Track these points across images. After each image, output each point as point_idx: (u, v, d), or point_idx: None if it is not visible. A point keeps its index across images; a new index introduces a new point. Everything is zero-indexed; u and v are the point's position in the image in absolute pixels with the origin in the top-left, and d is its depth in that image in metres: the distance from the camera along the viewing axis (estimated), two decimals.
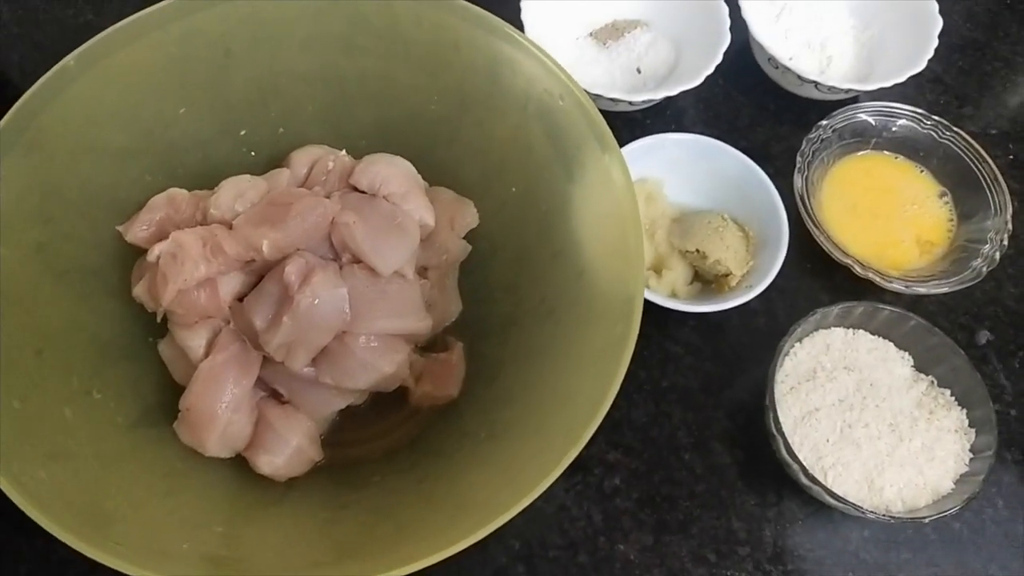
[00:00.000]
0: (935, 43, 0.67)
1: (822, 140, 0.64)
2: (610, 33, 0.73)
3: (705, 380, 0.60)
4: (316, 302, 0.49)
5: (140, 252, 0.54)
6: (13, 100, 0.49)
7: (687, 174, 0.63)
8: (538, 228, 0.55)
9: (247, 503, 0.50)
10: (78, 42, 0.50)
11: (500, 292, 0.58)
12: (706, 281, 0.61)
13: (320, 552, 0.46)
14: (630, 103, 0.65)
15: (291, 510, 0.51)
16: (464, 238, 0.59)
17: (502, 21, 0.53)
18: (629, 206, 0.47)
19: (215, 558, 0.44)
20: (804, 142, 0.63)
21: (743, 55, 0.73)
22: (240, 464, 0.52)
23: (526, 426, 0.49)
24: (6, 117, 0.48)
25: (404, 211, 0.55)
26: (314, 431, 0.53)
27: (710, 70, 0.65)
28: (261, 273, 0.53)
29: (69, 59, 0.50)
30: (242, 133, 0.59)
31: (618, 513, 0.56)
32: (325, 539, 0.46)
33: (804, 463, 0.51)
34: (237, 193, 0.53)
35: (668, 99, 0.67)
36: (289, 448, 0.51)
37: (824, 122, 0.64)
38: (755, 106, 0.72)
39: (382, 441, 0.56)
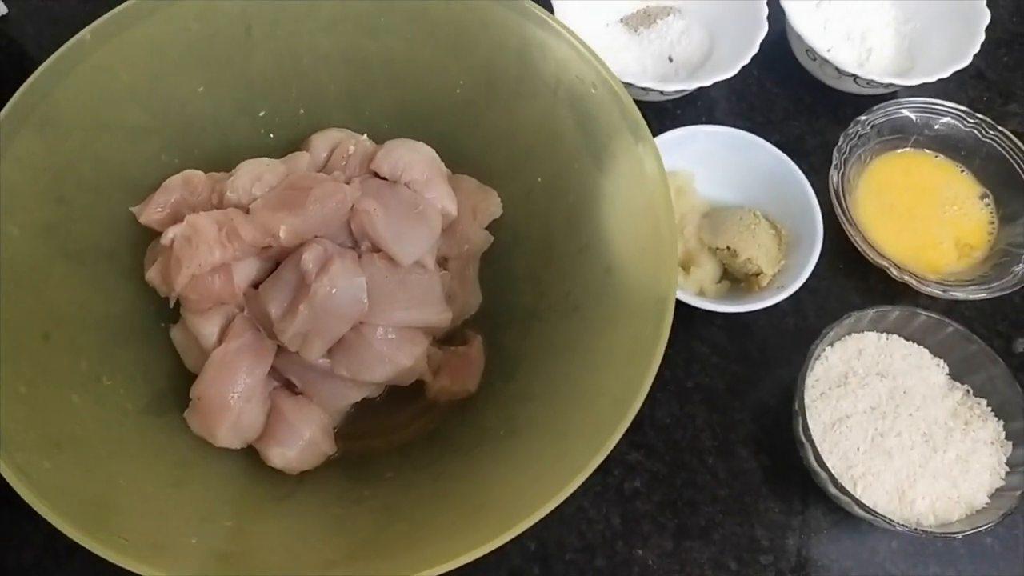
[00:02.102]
0: (981, 37, 0.65)
1: (860, 136, 0.61)
2: (642, 19, 0.71)
3: (731, 381, 0.58)
4: (333, 291, 0.48)
5: (154, 234, 0.52)
6: (30, 74, 0.47)
7: (719, 168, 0.61)
8: (565, 220, 0.53)
9: (257, 497, 0.49)
10: (96, 16, 0.49)
11: (522, 285, 0.56)
12: (735, 279, 0.59)
13: (332, 551, 0.44)
14: (661, 93, 0.63)
15: (302, 505, 0.49)
16: (486, 228, 0.57)
17: (533, 3, 0.51)
18: (663, 200, 0.45)
19: (223, 554, 0.43)
20: (841, 137, 0.61)
21: (779, 45, 0.70)
22: (251, 456, 0.50)
23: (548, 425, 0.47)
24: (19, 92, 0.46)
25: (426, 199, 0.53)
26: (328, 424, 0.52)
27: (746, 60, 0.63)
28: (277, 260, 0.51)
29: (85, 33, 0.48)
30: (261, 114, 0.57)
31: (638, 516, 0.54)
32: (337, 537, 0.45)
33: (833, 472, 0.49)
34: (255, 176, 0.52)
35: (700, 89, 0.65)
36: (302, 441, 0.50)
37: (863, 117, 0.62)
38: (790, 99, 0.70)
39: (397, 435, 0.54)
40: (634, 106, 0.48)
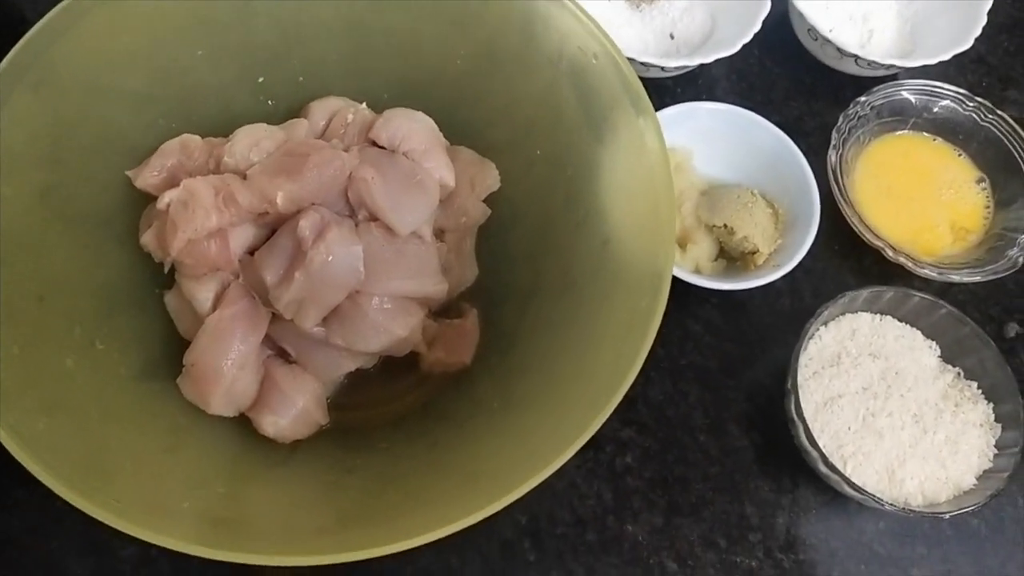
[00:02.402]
0: (983, 21, 0.65)
1: (859, 117, 0.61)
2: None
3: (725, 360, 0.58)
4: (330, 259, 0.47)
5: (150, 199, 0.52)
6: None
7: (718, 146, 0.61)
8: (563, 194, 0.53)
9: (250, 464, 0.49)
10: None
11: (520, 260, 0.56)
12: (731, 258, 0.59)
13: (324, 518, 0.44)
14: (662, 69, 0.63)
15: (295, 473, 0.49)
16: (484, 201, 0.56)
17: None
18: (662, 175, 0.45)
19: (215, 519, 0.43)
20: (841, 118, 0.61)
21: (780, 25, 0.70)
22: (244, 424, 0.50)
23: (544, 399, 0.47)
24: (14, 49, 0.46)
25: (424, 169, 0.53)
26: (321, 393, 0.52)
27: (747, 38, 0.62)
28: (274, 227, 0.51)
29: None
30: (260, 80, 0.56)
31: (629, 492, 0.54)
32: (329, 504, 0.45)
33: (824, 451, 0.49)
34: (253, 142, 0.51)
35: (701, 67, 0.65)
36: (295, 409, 0.50)
37: (863, 98, 0.62)
38: (790, 79, 0.70)
39: (391, 406, 0.54)
40: (636, 79, 0.48)
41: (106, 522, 0.37)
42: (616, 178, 0.49)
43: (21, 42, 0.46)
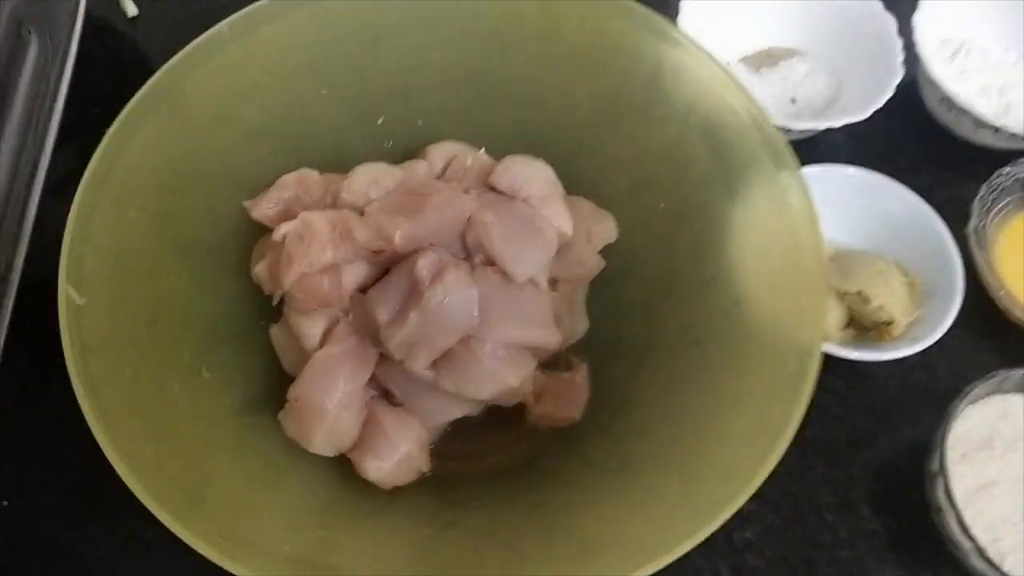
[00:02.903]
0: None
1: (1003, 188, 0.58)
2: (764, 60, 0.69)
3: (852, 434, 0.54)
4: (446, 300, 0.46)
5: (262, 232, 0.51)
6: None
7: (845, 211, 0.58)
8: (688, 249, 0.50)
9: (347, 509, 0.46)
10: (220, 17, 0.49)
11: (635, 314, 0.53)
12: (862, 328, 0.55)
13: (422, 573, 0.42)
14: (787, 131, 0.61)
15: (392, 523, 0.46)
16: (599, 253, 0.54)
17: (670, 23, 0.50)
18: (809, 233, 0.42)
19: (309, 562, 0.40)
20: (984, 187, 0.57)
21: (906, 93, 0.67)
22: (342, 467, 0.48)
23: (668, 463, 0.44)
24: (155, 76, 0.46)
25: (543, 217, 0.51)
26: (425, 439, 0.49)
27: (879, 104, 0.60)
28: (387, 267, 0.49)
29: (223, 25, 0.48)
30: (379, 122, 0.56)
31: (749, 571, 0.50)
32: (426, 560, 0.42)
33: (979, 543, 0.44)
34: (372, 180, 0.50)
35: (826, 132, 0.62)
36: (398, 454, 0.47)
37: (1007, 168, 0.58)
38: (918, 147, 0.67)
39: (494, 459, 0.52)
40: (777, 133, 0.45)
41: (203, 552, 0.35)
42: (752, 237, 0.47)
43: (160, 71, 0.47)
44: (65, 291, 0.39)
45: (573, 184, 0.55)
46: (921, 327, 0.53)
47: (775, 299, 0.44)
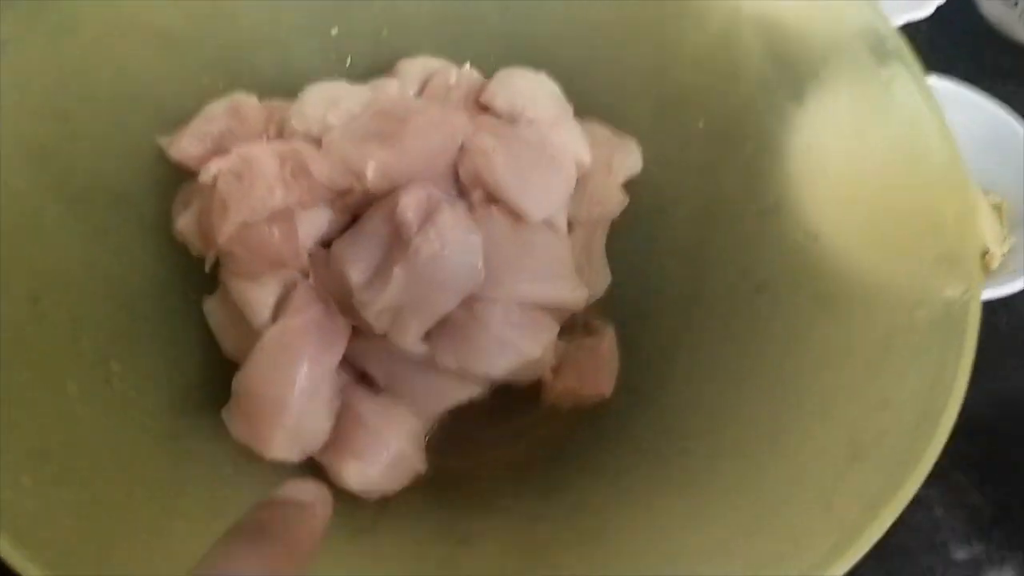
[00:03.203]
0: None
1: None
2: None
3: None
4: (443, 250, 0.34)
5: (187, 176, 0.39)
6: None
7: None
8: (738, 176, 0.40)
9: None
10: None
11: (670, 261, 0.42)
12: None
13: None
14: None
15: (387, 544, 0.35)
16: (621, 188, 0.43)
17: None
18: (936, 137, 0.32)
19: None
20: None
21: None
22: (312, 474, 0.36)
23: (741, 443, 0.33)
24: None
25: (555, 142, 0.40)
26: (419, 431, 0.38)
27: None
28: (355, 214, 0.38)
29: None
30: (333, 32, 0.44)
31: None
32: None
33: None
34: (330, 101, 0.38)
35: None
36: (386, 453, 0.36)
37: None
38: (974, 56, 0.57)
39: (506, 450, 0.41)
40: (877, 12, 0.35)
41: None
42: (832, 150, 0.36)
43: None
44: None
45: (583, 106, 0.44)
46: (1016, 257, 0.43)
47: (880, 230, 0.34)
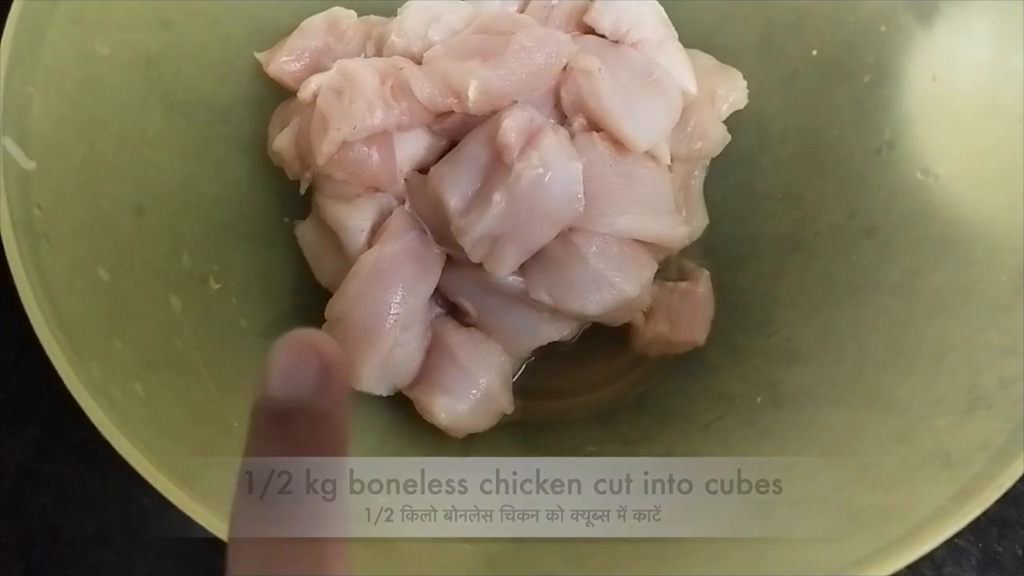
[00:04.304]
0: None
1: None
2: None
3: None
4: (546, 177, 0.33)
5: (285, 94, 0.38)
6: None
7: None
8: (852, 110, 0.38)
9: None
10: None
11: (772, 203, 0.41)
12: None
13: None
14: None
15: None
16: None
17: None
18: None
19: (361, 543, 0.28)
20: None
21: None
22: (401, 408, 0.36)
23: (844, 393, 0.32)
24: None
25: (661, 67, 0.38)
26: (509, 369, 0.37)
27: None
28: (454, 139, 0.37)
29: None
30: None
31: None
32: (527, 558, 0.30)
33: None
34: (431, 16, 0.37)
35: None
36: (476, 390, 0.35)
37: None
38: None
39: (592, 396, 0.40)
40: None
41: (214, 531, 0.24)
42: (962, 80, 0.34)
43: None
44: (1, 146, 0.26)
45: (684, 34, 0.41)
46: None
47: (1007, 167, 0.32)
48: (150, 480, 0.23)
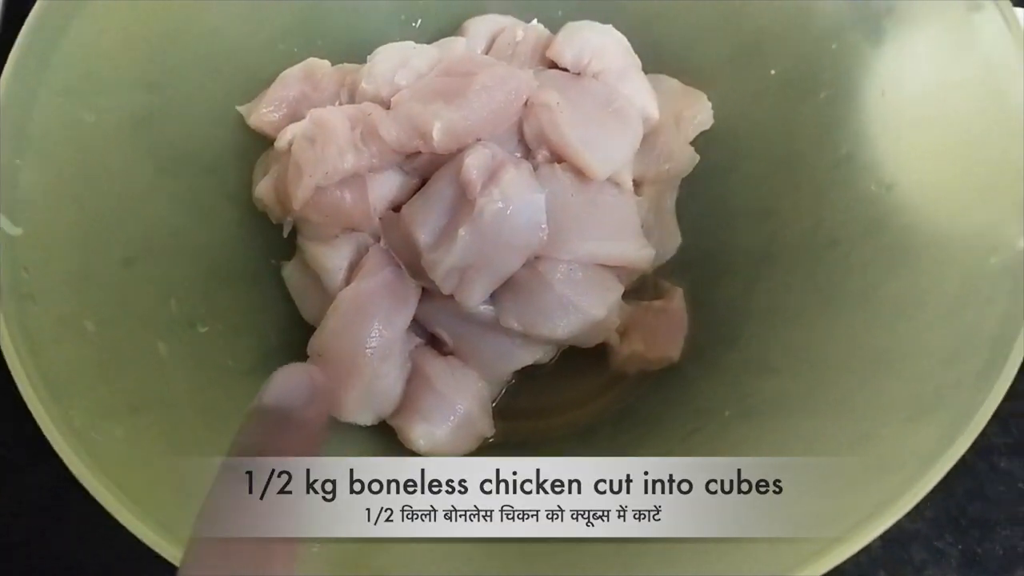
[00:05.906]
0: None
1: None
2: None
3: None
4: (506, 209, 0.34)
5: (267, 144, 0.40)
6: None
7: None
8: (812, 125, 0.39)
9: None
10: None
11: (744, 219, 0.42)
12: None
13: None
14: None
15: None
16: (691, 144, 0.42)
17: None
18: (1020, 77, 0.30)
19: (349, 563, 0.30)
20: None
21: None
22: (383, 436, 0.38)
23: (809, 402, 0.33)
24: None
25: (623, 95, 0.39)
26: (487, 395, 0.39)
27: None
28: (424, 175, 0.38)
29: None
30: None
31: (909, 536, 0.39)
32: (519, 559, 0.31)
33: None
34: (399, 61, 0.39)
35: None
36: (455, 416, 0.37)
37: None
38: None
39: (571, 414, 0.41)
40: None
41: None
42: (909, 95, 0.35)
43: None
44: None
45: (651, 59, 0.43)
46: None
47: (957, 177, 0.32)
48: (125, 522, 0.25)
